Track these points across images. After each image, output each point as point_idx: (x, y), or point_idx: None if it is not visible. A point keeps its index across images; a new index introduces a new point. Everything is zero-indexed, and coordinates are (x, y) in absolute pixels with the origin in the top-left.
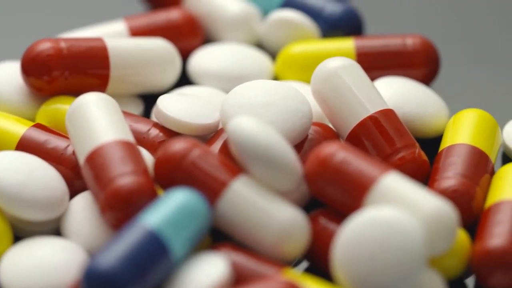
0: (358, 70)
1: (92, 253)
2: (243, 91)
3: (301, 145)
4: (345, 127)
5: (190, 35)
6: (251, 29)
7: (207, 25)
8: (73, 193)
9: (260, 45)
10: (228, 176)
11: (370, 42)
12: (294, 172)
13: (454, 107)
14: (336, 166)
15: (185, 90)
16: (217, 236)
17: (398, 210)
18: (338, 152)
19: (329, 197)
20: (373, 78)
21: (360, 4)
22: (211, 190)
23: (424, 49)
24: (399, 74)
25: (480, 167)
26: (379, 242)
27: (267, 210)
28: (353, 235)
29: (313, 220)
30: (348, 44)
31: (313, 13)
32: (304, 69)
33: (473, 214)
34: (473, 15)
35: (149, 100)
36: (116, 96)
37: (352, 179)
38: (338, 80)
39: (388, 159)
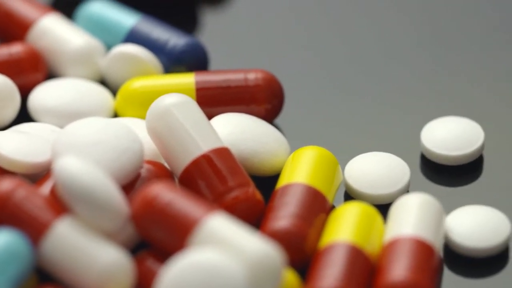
0: (192, 107)
1: None
2: (74, 129)
3: (132, 184)
4: (179, 166)
5: (32, 70)
6: (94, 64)
7: (50, 60)
8: None
9: (103, 81)
10: (51, 217)
11: (211, 77)
12: (118, 213)
13: (297, 144)
14: (161, 207)
15: (23, 127)
16: (44, 277)
17: (220, 253)
18: (163, 193)
19: (156, 239)
20: (214, 114)
21: (206, 39)
22: (34, 231)
23: (266, 84)
24: (241, 110)
25: (315, 207)
26: (200, 286)
27: (89, 251)
28: (173, 278)
29: (139, 262)
30: (189, 79)
31: (156, 48)
32: (143, 105)
33: (305, 255)
34: (319, 51)
35: None
36: None
37: (177, 221)
38: (172, 118)
39: (221, 198)
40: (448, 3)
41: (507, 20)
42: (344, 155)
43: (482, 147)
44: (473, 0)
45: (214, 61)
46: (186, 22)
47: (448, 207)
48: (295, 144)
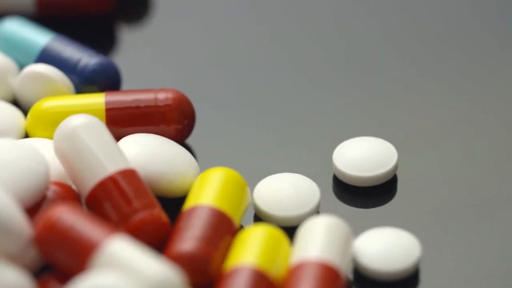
0: (99, 128)
1: None
2: None
3: (38, 206)
4: (85, 187)
5: None
6: (6, 84)
7: None
8: None
9: (16, 100)
10: None
11: (121, 98)
12: (20, 236)
13: (208, 165)
14: (63, 230)
15: None
16: None
17: (119, 276)
18: (66, 216)
19: (58, 262)
20: (125, 135)
21: (122, 58)
22: None
23: (177, 104)
24: (152, 131)
25: (221, 229)
26: None
27: None
28: None
29: (41, 285)
30: (99, 99)
31: (68, 67)
32: (54, 126)
33: (209, 278)
34: (232, 71)
35: None
36: None
37: (78, 244)
38: (78, 139)
39: (127, 220)
40: (359, 22)
41: (417, 39)
42: (255, 176)
43: (395, 167)
44: (382, 21)
45: (129, 80)
46: (103, 40)
47: (360, 229)
48: (206, 165)
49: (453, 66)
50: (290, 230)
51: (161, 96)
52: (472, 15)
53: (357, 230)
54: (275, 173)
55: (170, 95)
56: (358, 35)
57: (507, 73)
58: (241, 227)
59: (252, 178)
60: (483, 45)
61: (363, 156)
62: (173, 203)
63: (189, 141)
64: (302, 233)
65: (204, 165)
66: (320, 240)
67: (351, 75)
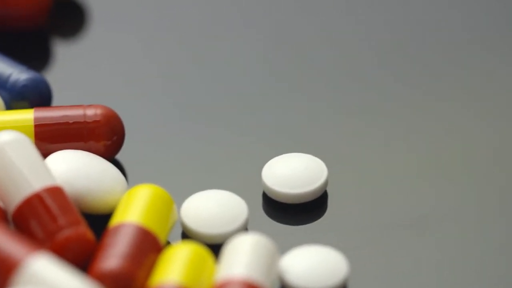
0: (26, 145)
1: None
2: None
3: None
4: (11, 205)
5: None
6: None
7: None
8: None
9: None
10: None
11: (50, 113)
12: None
13: (137, 182)
14: None
15: None
16: None
17: None
18: None
19: None
20: (54, 151)
21: (56, 74)
22: None
23: (106, 121)
24: (80, 147)
25: (145, 247)
26: None
27: None
28: None
29: None
30: (28, 115)
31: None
32: None
33: None
34: (160, 87)
35: None
36: None
37: (0, 262)
38: (3, 156)
39: (52, 237)
40: (288, 37)
41: (344, 57)
42: (183, 193)
43: (325, 184)
44: (311, 37)
45: (62, 96)
46: (36, 55)
47: (289, 246)
48: (135, 181)
49: (380, 83)
50: (219, 247)
51: (90, 112)
52: (408, 32)
53: (286, 247)
54: (203, 190)
55: (99, 111)
56: (285, 52)
57: (438, 91)
58: (169, 244)
59: (180, 195)
60: (411, 60)
61: (292, 172)
62: (101, 220)
63: (118, 157)
64: (228, 250)
65: (133, 182)
66: (245, 258)
67: (280, 92)
